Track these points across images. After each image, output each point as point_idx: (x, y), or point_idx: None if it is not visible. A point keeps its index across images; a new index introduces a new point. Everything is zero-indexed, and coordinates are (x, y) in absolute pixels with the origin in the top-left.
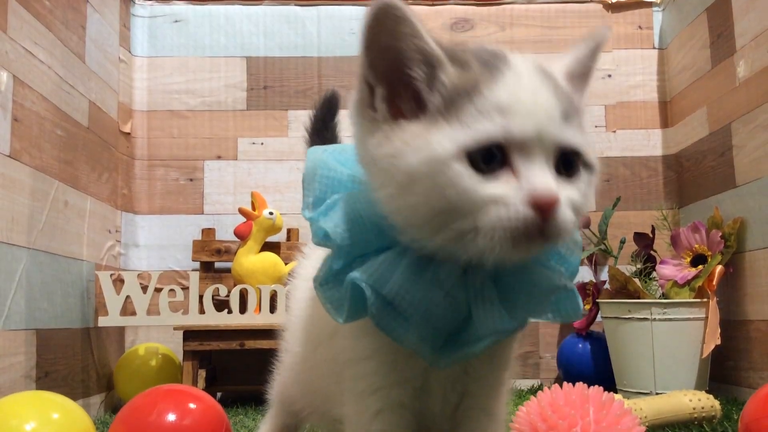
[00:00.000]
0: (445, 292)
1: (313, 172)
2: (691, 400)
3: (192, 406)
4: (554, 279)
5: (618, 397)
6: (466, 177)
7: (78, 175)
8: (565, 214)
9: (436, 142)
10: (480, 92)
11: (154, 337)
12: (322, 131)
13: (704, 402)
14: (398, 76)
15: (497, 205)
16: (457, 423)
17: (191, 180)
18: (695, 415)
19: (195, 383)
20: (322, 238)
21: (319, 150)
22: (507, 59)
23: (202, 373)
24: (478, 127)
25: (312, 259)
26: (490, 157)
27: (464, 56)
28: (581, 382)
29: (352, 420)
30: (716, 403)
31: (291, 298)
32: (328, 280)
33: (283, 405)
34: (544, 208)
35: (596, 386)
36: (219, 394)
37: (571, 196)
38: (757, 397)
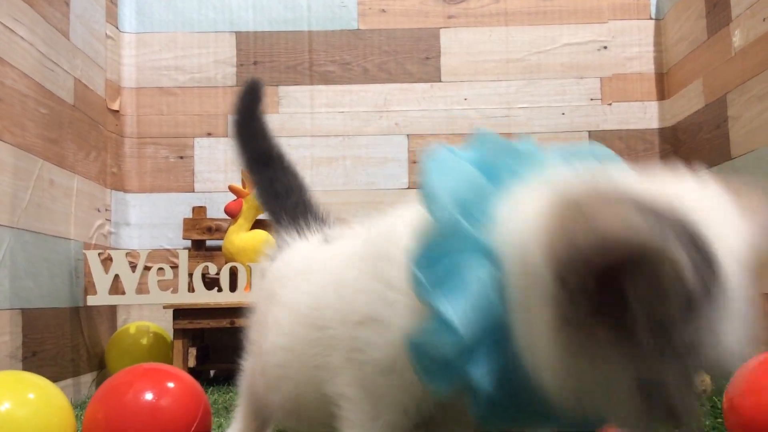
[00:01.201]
0: None
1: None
2: None
3: (170, 385)
4: None
5: None
6: None
7: (64, 153)
8: None
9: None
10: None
11: (147, 315)
12: (248, 122)
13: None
14: None
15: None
16: None
17: (181, 158)
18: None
19: (185, 362)
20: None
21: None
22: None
23: (193, 351)
24: None
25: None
26: None
27: None
28: None
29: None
30: (707, 378)
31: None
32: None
33: (255, 404)
34: None
35: None
36: (212, 372)
37: None
38: (742, 371)
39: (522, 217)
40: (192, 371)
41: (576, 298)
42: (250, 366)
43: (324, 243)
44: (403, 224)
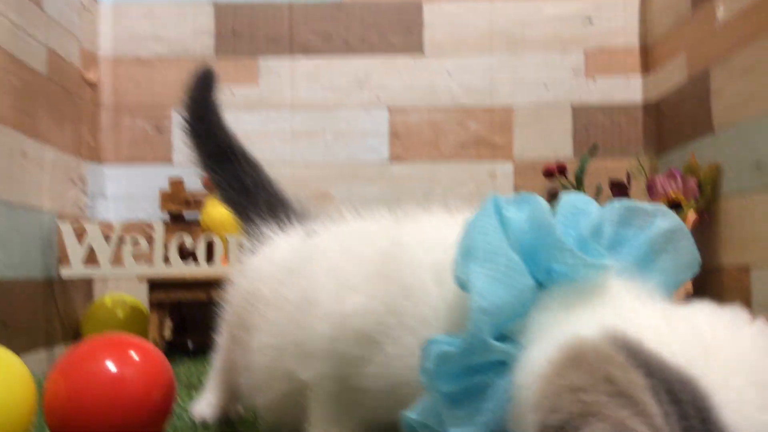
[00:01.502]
0: None
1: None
2: None
3: (134, 356)
4: None
5: None
6: None
7: (37, 125)
8: None
9: None
10: None
11: (124, 288)
12: (203, 115)
13: None
14: None
15: None
16: None
17: (159, 129)
18: None
19: (162, 334)
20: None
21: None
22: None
23: (169, 323)
24: None
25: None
26: None
27: None
28: None
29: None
30: None
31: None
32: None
33: (228, 381)
34: None
35: None
36: (190, 344)
37: None
38: None
39: (538, 356)
40: (169, 344)
41: None
42: (225, 343)
43: (308, 237)
44: (424, 250)
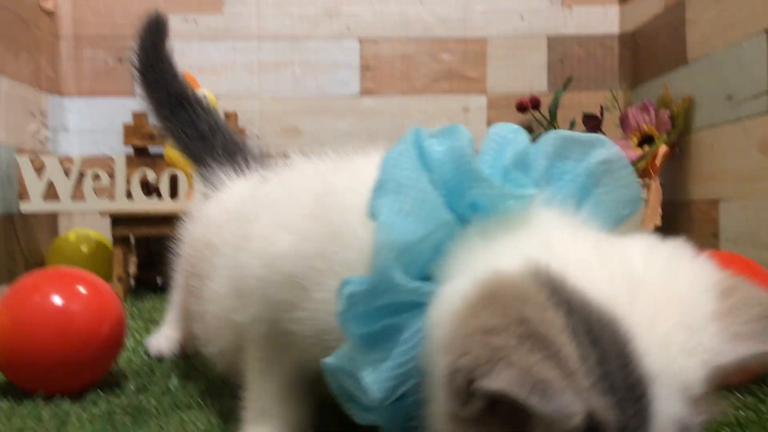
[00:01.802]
0: None
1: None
2: None
3: (81, 289)
4: None
5: None
6: None
7: None
8: None
9: None
10: None
11: (89, 223)
12: (155, 63)
13: None
14: None
15: None
16: None
17: (120, 60)
18: None
19: (126, 269)
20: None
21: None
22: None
23: (134, 259)
24: None
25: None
26: None
27: None
28: None
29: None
30: None
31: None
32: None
33: (184, 321)
34: None
35: None
36: (159, 280)
37: None
38: None
39: (454, 293)
40: (138, 279)
41: (457, 401)
42: (180, 287)
43: (261, 183)
44: (353, 193)
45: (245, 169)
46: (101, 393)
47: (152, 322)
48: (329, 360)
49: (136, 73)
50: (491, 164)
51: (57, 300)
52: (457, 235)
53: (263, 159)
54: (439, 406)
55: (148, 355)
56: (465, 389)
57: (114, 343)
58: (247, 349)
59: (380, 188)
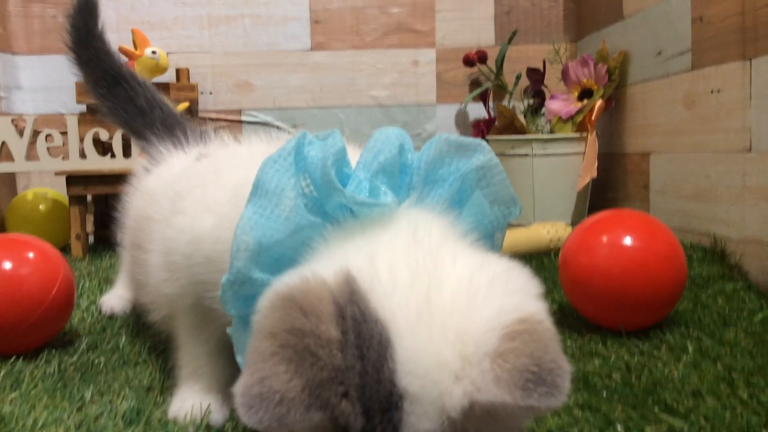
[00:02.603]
0: None
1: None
2: (548, 232)
3: (29, 254)
4: None
5: None
6: None
7: None
8: None
9: None
10: None
11: (47, 182)
12: (87, 42)
13: (561, 233)
14: None
15: None
16: None
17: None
18: (551, 246)
19: (83, 228)
20: None
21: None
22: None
23: (90, 217)
24: None
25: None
26: None
27: None
28: None
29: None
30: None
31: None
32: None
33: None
34: None
35: None
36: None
37: None
38: (578, 229)
39: (272, 289)
40: (97, 237)
41: None
42: (128, 251)
43: (198, 160)
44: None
45: (184, 144)
46: (54, 352)
47: (108, 282)
48: (229, 329)
49: (70, 54)
50: (365, 168)
51: (6, 265)
52: (327, 234)
53: (202, 134)
54: None
55: (101, 314)
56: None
57: (64, 305)
58: (178, 317)
59: (253, 192)
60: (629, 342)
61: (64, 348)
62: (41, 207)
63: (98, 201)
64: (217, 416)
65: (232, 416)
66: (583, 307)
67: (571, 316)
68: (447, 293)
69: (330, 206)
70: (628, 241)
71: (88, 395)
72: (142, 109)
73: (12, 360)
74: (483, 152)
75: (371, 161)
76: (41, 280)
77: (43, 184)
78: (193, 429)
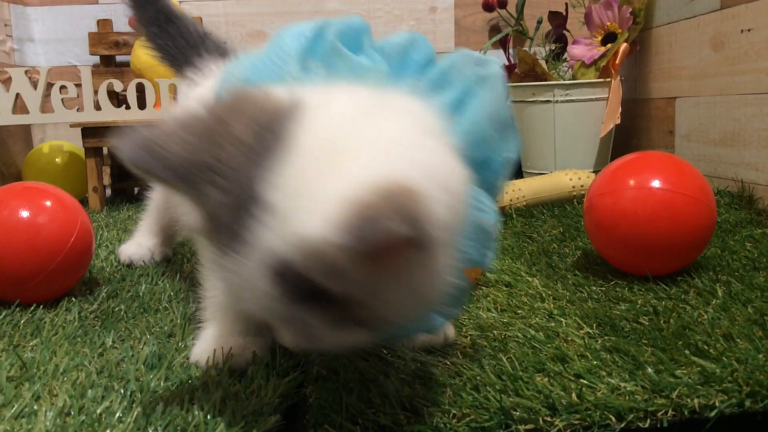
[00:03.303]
0: None
1: None
2: (571, 179)
3: (47, 203)
4: None
5: None
6: None
7: None
8: (308, 347)
9: None
10: None
11: (63, 134)
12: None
13: (584, 180)
14: None
15: None
16: None
17: None
18: (574, 193)
19: (100, 180)
20: None
21: None
22: None
23: (107, 169)
24: None
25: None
26: None
27: None
28: None
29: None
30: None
31: None
32: None
33: (160, 223)
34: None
35: None
36: (136, 189)
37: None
38: (604, 172)
39: None
40: (114, 189)
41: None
42: (158, 197)
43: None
44: None
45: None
46: (74, 300)
47: (126, 232)
48: None
49: (133, 11)
50: (373, 48)
51: (23, 213)
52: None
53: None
54: None
55: (120, 263)
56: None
57: (82, 253)
58: (202, 253)
59: (268, 44)
60: (656, 287)
61: (83, 297)
62: (57, 160)
63: (114, 153)
64: (239, 360)
65: (255, 360)
66: (609, 253)
67: (595, 261)
68: (356, 146)
69: (334, 69)
70: (656, 183)
71: (108, 341)
72: (193, 43)
73: (32, 308)
74: (491, 65)
75: (380, 46)
76: (59, 228)
77: (58, 137)
78: (215, 372)
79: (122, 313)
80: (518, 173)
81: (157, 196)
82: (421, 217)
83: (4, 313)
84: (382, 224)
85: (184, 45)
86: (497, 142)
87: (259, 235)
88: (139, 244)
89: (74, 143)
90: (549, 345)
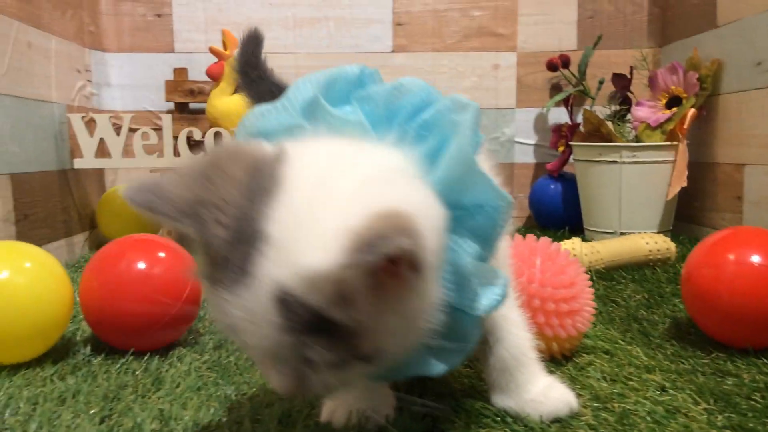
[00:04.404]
0: None
1: None
2: (647, 243)
3: (161, 254)
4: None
5: (564, 247)
6: None
7: (39, 13)
8: (307, 391)
9: None
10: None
11: (135, 177)
12: (254, 65)
13: (660, 244)
14: None
15: None
16: None
17: (159, 16)
18: (651, 257)
19: None
20: None
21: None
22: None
23: None
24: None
25: None
26: None
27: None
28: (531, 234)
29: None
30: (672, 246)
31: None
32: None
33: None
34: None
35: (544, 238)
36: None
37: (313, 377)
38: (702, 245)
39: None
40: (180, 235)
41: None
42: None
43: None
44: None
45: None
46: (183, 350)
47: None
48: None
49: (239, 76)
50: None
51: (141, 265)
52: (306, 134)
53: None
54: None
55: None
56: None
57: (195, 303)
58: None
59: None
60: (758, 361)
61: (190, 346)
62: None
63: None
64: (375, 420)
65: (389, 420)
66: (708, 324)
67: (687, 331)
68: (341, 184)
69: (316, 116)
70: (755, 258)
71: (233, 395)
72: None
73: (146, 357)
74: (467, 111)
75: (363, 93)
76: (175, 279)
77: (129, 180)
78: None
79: (233, 365)
80: (580, 231)
81: None
82: (419, 234)
83: (120, 362)
84: (386, 239)
85: None
86: (475, 186)
87: (261, 266)
88: None
89: None
90: (672, 421)
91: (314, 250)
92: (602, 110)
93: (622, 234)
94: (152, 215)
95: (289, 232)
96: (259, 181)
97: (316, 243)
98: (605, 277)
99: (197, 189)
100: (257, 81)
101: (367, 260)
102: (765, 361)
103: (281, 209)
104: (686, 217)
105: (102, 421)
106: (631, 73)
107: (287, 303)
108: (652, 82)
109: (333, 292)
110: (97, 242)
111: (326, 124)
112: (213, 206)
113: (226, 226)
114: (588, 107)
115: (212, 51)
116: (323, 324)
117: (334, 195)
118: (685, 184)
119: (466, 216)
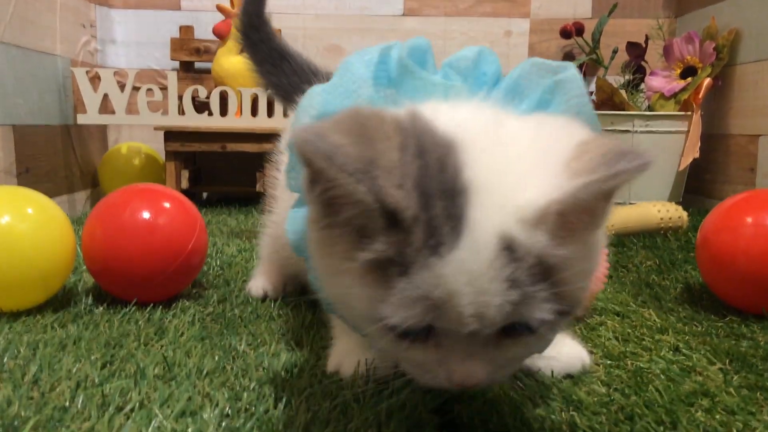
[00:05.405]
0: None
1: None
2: (659, 211)
3: (166, 204)
4: None
5: None
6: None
7: None
8: (493, 380)
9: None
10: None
11: (137, 136)
12: (257, 26)
13: (672, 213)
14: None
15: (416, 367)
16: None
17: None
18: (662, 225)
19: (178, 183)
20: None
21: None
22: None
23: (185, 173)
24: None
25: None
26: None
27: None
28: None
29: None
30: (684, 214)
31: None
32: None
33: (277, 263)
34: (463, 388)
35: None
36: (205, 194)
37: (510, 356)
38: (718, 209)
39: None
40: (184, 193)
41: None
42: (271, 231)
43: None
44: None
45: None
46: (187, 302)
47: (210, 234)
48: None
49: (240, 37)
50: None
51: (145, 214)
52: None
53: None
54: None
55: (222, 268)
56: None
57: (200, 255)
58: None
59: (338, 73)
60: None
61: (194, 300)
62: (135, 161)
63: (187, 158)
64: (381, 371)
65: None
66: (723, 289)
67: (700, 296)
68: (520, 131)
69: (405, 89)
70: None
71: (240, 347)
72: (306, 80)
73: (149, 308)
74: (567, 70)
75: (448, 62)
76: (180, 230)
77: (132, 139)
78: (362, 383)
79: (237, 318)
80: None
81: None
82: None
83: (123, 312)
84: (626, 156)
85: (297, 82)
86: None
87: (475, 220)
88: (257, 286)
89: (148, 144)
90: (687, 379)
91: (534, 189)
92: (616, 79)
93: (631, 204)
94: (329, 167)
95: (499, 178)
96: (422, 141)
97: (532, 182)
98: (615, 243)
99: (364, 149)
100: (258, 44)
101: (610, 178)
102: None
103: (479, 160)
104: (696, 189)
105: (104, 366)
106: (646, 43)
107: (512, 251)
108: (667, 52)
109: (556, 227)
110: (98, 200)
111: (415, 92)
112: (383, 170)
113: (407, 188)
114: (601, 76)
115: (219, 8)
116: (544, 273)
117: (522, 141)
118: (697, 155)
119: None
